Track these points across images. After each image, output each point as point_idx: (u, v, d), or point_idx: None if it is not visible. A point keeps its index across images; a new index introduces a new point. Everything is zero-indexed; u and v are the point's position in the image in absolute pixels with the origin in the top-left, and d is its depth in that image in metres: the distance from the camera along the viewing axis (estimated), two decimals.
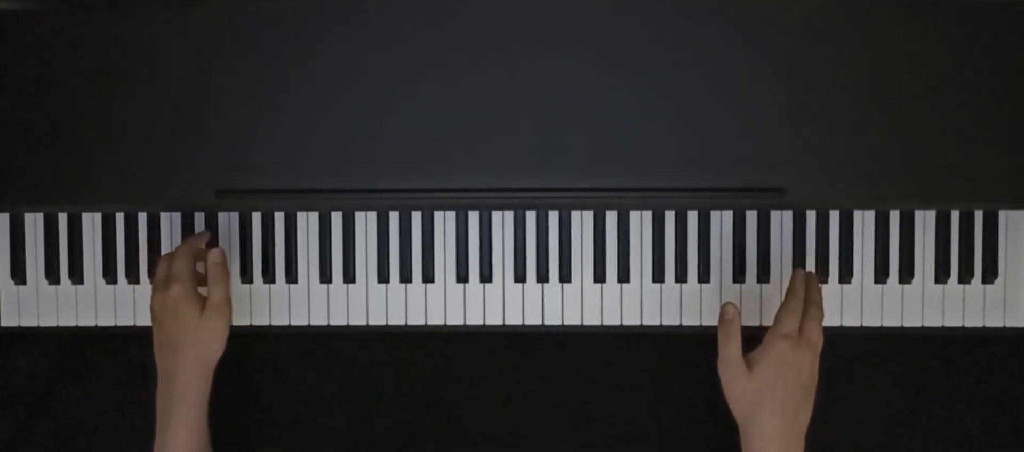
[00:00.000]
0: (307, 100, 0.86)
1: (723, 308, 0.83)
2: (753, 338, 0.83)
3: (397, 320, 0.96)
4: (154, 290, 0.88)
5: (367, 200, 0.88)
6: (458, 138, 0.86)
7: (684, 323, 0.95)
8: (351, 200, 0.88)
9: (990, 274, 0.94)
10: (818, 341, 0.82)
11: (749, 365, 0.81)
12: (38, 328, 0.98)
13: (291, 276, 0.96)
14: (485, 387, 1.00)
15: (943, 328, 0.95)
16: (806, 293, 0.85)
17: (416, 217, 0.96)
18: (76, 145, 0.87)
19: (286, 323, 0.97)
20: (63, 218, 0.97)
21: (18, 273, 0.97)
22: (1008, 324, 0.95)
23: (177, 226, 0.97)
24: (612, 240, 0.96)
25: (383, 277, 0.96)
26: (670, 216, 0.95)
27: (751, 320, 0.95)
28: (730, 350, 0.81)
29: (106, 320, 0.97)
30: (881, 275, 0.95)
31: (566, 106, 0.86)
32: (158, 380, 0.88)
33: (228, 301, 0.88)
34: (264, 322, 0.97)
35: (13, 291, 0.98)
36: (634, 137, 0.86)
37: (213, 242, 0.95)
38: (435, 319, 0.96)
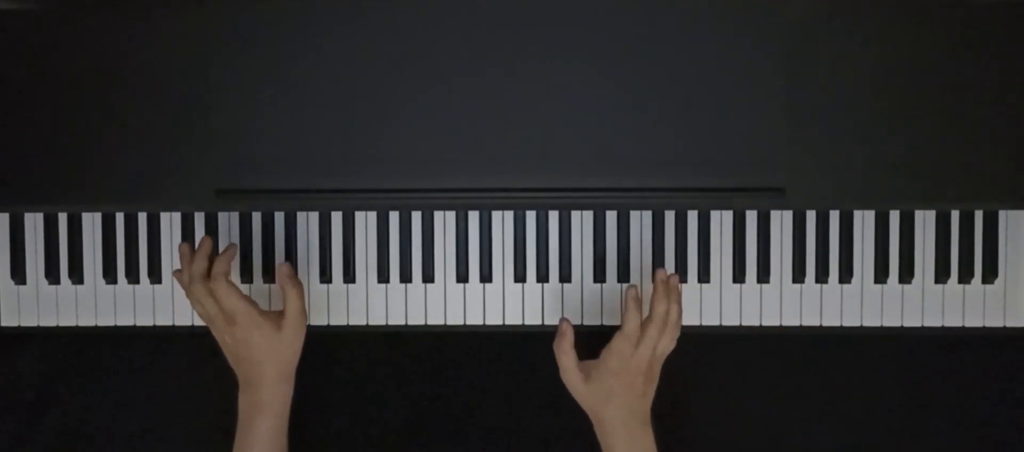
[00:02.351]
0: (307, 100, 0.86)
1: (559, 323, 0.87)
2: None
3: (397, 320, 0.96)
4: (213, 327, 0.88)
5: (367, 200, 0.88)
6: (458, 138, 0.86)
7: (684, 322, 0.95)
8: (351, 200, 0.88)
9: (990, 274, 0.94)
10: (664, 346, 0.87)
11: (588, 372, 0.86)
12: (38, 328, 0.98)
13: None
14: (485, 387, 1.00)
15: (943, 328, 0.95)
16: (660, 302, 0.86)
17: (416, 217, 0.96)
18: (76, 145, 0.87)
19: None
20: (63, 218, 0.97)
21: (18, 273, 0.97)
22: (1008, 324, 0.95)
23: (177, 226, 0.97)
24: (612, 240, 0.96)
25: (383, 277, 0.96)
26: (670, 216, 0.95)
27: (751, 320, 0.95)
28: (565, 361, 0.86)
29: (106, 320, 0.97)
30: (881, 275, 0.95)
31: (566, 106, 0.86)
32: (239, 386, 0.88)
33: (304, 311, 0.89)
34: None
35: (13, 291, 0.98)
36: (634, 137, 0.86)
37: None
38: (435, 319, 0.96)
